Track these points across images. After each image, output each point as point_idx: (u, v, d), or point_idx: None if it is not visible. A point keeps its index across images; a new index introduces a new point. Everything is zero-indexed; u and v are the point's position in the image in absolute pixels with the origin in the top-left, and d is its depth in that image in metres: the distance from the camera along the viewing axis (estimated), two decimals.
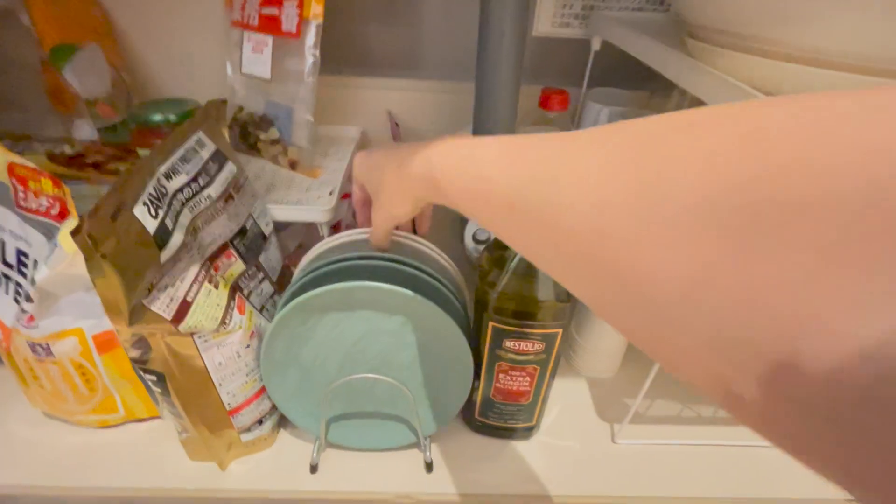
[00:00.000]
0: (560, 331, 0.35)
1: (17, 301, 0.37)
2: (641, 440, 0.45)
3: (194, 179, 0.36)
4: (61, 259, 0.32)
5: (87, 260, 0.25)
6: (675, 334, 0.13)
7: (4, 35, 0.58)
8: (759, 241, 0.10)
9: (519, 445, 0.45)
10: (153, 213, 0.30)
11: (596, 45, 0.54)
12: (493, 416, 0.42)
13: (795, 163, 0.10)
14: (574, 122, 0.59)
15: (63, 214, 0.32)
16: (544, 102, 0.52)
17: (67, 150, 0.49)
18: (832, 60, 0.24)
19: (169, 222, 0.31)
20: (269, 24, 0.49)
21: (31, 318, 0.35)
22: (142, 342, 0.32)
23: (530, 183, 0.18)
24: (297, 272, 0.41)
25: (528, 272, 0.34)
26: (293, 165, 0.54)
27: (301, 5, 0.47)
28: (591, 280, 0.16)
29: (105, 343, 0.38)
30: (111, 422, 0.44)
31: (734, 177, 0.11)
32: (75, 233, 0.24)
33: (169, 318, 0.31)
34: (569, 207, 0.16)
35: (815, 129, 0.10)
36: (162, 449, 0.43)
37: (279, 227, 0.50)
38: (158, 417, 0.45)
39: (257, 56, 0.51)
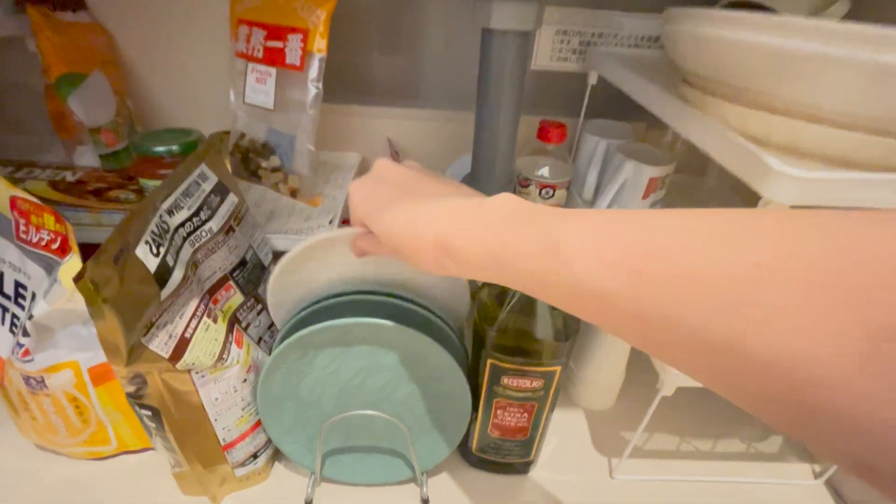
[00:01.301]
0: (559, 368, 0.36)
1: (12, 332, 0.37)
2: (639, 475, 0.45)
3: (196, 214, 0.36)
4: (60, 295, 0.32)
5: (88, 305, 0.25)
6: (846, 444, 0.12)
7: (10, 60, 0.59)
8: None
9: (517, 480, 0.44)
10: (155, 251, 0.30)
11: (593, 80, 0.55)
12: (491, 452, 0.42)
13: None
14: (571, 153, 0.60)
15: (64, 249, 0.32)
16: (542, 134, 0.53)
17: (69, 176, 0.49)
18: (821, 116, 0.25)
19: (170, 259, 0.32)
20: (274, 57, 0.50)
21: (27, 352, 0.35)
22: (138, 378, 0.32)
23: (675, 297, 0.14)
24: (272, 281, 0.37)
25: (528, 310, 0.34)
26: (294, 193, 0.54)
27: (305, 40, 0.48)
28: (768, 405, 0.13)
29: (100, 375, 0.38)
30: (103, 453, 0.43)
31: None
32: (78, 278, 0.24)
33: (167, 356, 0.31)
34: (753, 335, 0.13)
35: None
36: (154, 482, 0.42)
37: (278, 255, 0.50)
38: (151, 449, 0.45)
39: (261, 87, 0.52)
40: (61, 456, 0.44)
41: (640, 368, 0.47)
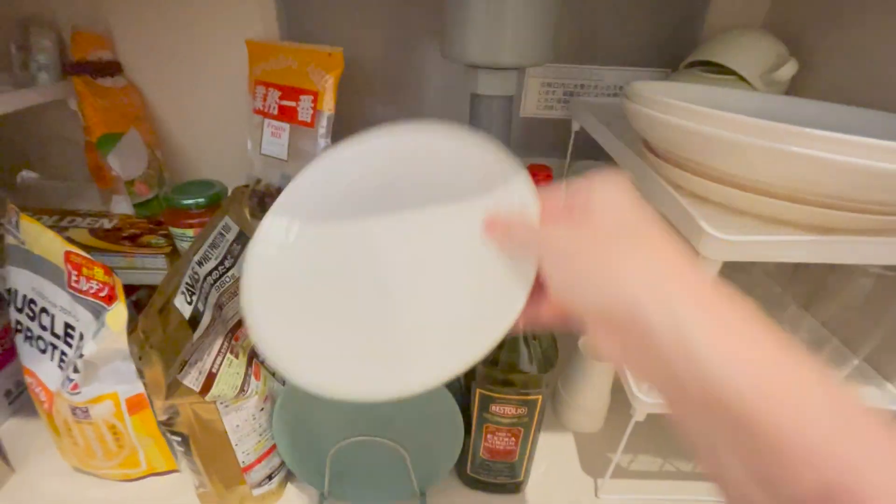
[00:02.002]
0: (540, 397, 0.40)
1: (60, 368, 0.42)
2: (623, 494, 0.48)
3: (221, 262, 0.42)
4: (106, 337, 0.37)
5: (139, 351, 0.30)
6: None
7: (54, 117, 0.66)
8: None
9: (509, 499, 0.48)
10: (189, 299, 0.35)
11: (576, 127, 0.60)
12: (484, 473, 0.46)
13: None
14: None
15: (111, 297, 0.38)
16: None
17: (106, 224, 0.55)
18: (746, 185, 0.30)
19: (200, 305, 0.37)
20: (287, 114, 0.56)
21: (76, 386, 0.40)
22: (172, 409, 0.37)
23: None
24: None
25: (512, 346, 0.39)
26: None
27: (316, 101, 0.54)
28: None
29: (135, 405, 0.43)
30: (133, 475, 0.48)
31: None
32: (131, 331, 0.29)
33: (198, 389, 0.36)
34: None
35: None
36: (179, 500, 0.47)
37: None
38: (176, 471, 0.49)
39: (275, 140, 0.58)
40: (96, 478, 0.49)
41: (624, 395, 0.51)
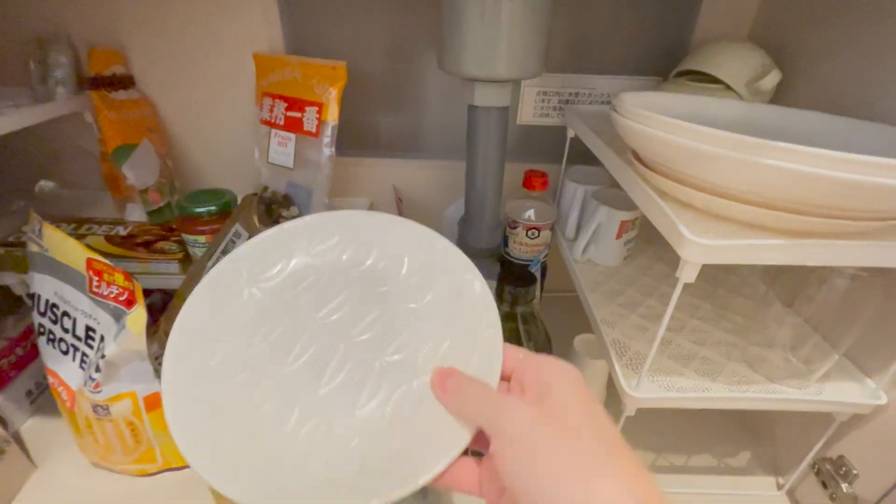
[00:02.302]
0: None
1: (82, 368, 0.45)
2: None
3: None
4: (127, 338, 0.40)
5: (161, 350, 0.32)
6: None
7: (69, 129, 0.68)
8: None
9: None
10: None
11: (571, 133, 0.62)
12: None
13: None
14: (555, 198, 0.67)
15: (131, 301, 0.40)
16: (527, 183, 0.61)
17: (121, 230, 0.58)
18: (723, 193, 0.32)
19: None
20: (293, 125, 0.59)
21: (98, 385, 0.42)
22: None
23: None
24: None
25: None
26: None
27: (320, 112, 0.56)
28: None
29: (152, 403, 0.46)
30: (150, 470, 0.51)
31: None
32: (154, 332, 0.31)
33: None
34: None
35: None
36: (193, 495, 0.49)
37: None
38: (188, 467, 0.52)
39: (282, 149, 0.61)
40: (114, 473, 0.51)
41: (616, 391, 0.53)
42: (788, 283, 0.43)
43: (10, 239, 0.54)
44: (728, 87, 0.50)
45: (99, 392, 0.43)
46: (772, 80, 0.48)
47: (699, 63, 0.52)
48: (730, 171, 0.30)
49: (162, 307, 0.40)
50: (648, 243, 0.63)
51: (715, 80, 0.51)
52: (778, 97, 0.52)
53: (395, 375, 0.26)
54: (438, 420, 0.23)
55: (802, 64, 0.51)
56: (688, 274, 0.32)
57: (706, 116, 0.42)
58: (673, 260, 0.32)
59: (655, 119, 0.33)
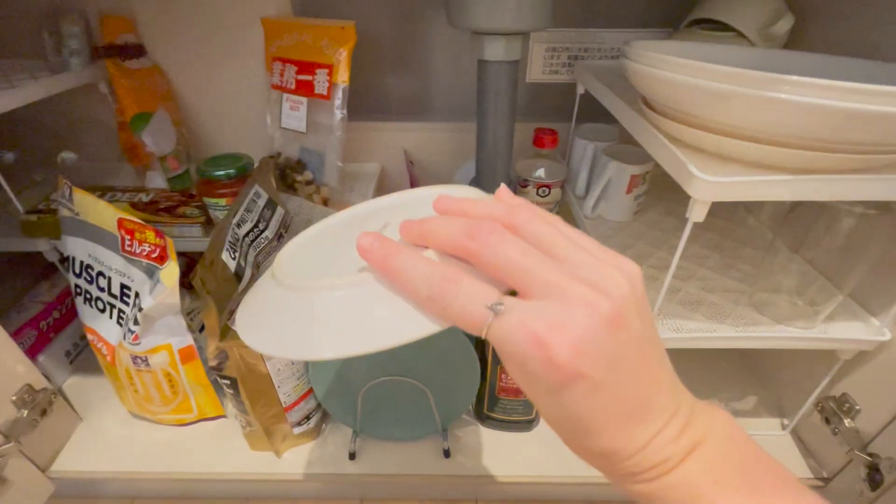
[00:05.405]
0: None
1: (119, 324, 0.48)
2: None
3: (256, 225, 0.46)
4: (162, 292, 0.42)
5: (200, 296, 0.35)
6: None
7: (85, 101, 0.70)
8: None
9: (521, 436, 0.53)
10: (232, 255, 0.39)
11: (581, 90, 0.62)
12: (499, 411, 0.51)
13: None
14: (565, 156, 0.67)
15: (163, 257, 0.42)
16: (537, 141, 0.61)
17: (144, 197, 0.60)
18: (734, 132, 0.32)
19: (242, 261, 0.41)
20: (304, 88, 0.59)
21: (136, 337, 0.45)
22: (222, 353, 0.42)
23: None
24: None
25: None
26: (325, 202, 0.64)
27: (331, 74, 0.57)
28: None
29: (187, 355, 0.48)
30: (186, 420, 0.54)
31: None
32: (192, 276, 0.33)
33: None
34: None
35: None
36: (228, 442, 0.53)
37: None
38: (223, 416, 0.55)
39: (294, 113, 0.62)
40: (153, 423, 0.55)
41: None
42: (794, 229, 0.44)
43: (40, 207, 0.57)
44: (741, 35, 0.49)
45: (138, 344, 0.46)
46: (785, 24, 0.48)
47: (710, 10, 0.51)
48: (740, 108, 0.30)
49: (186, 270, 0.42)
50: (658, 199, 0.64)
51: (727, 28, 0.50)
52: (791, 42, 0.52)
53: None
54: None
55: (816, 5, 0.50)
56: (697, 213, 0.33)
57: (720, 63, 0.42)
58: (683, 213, 0.33)
59: (666, 60, 0.33)
